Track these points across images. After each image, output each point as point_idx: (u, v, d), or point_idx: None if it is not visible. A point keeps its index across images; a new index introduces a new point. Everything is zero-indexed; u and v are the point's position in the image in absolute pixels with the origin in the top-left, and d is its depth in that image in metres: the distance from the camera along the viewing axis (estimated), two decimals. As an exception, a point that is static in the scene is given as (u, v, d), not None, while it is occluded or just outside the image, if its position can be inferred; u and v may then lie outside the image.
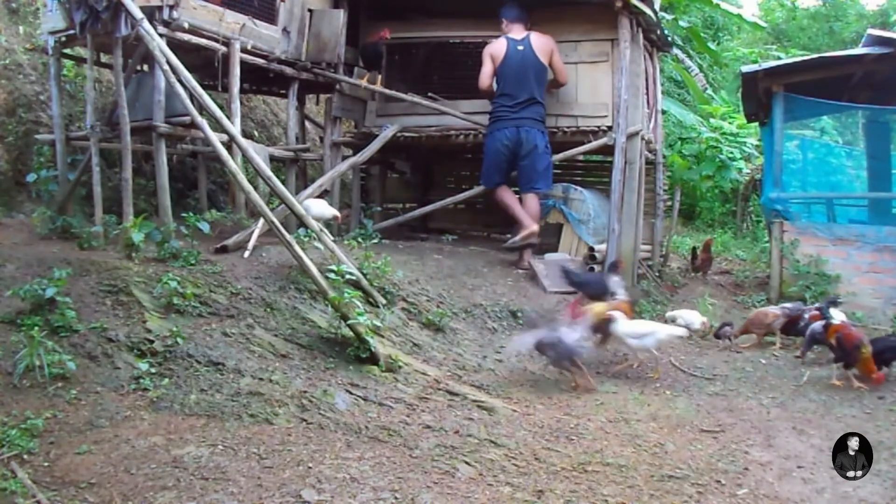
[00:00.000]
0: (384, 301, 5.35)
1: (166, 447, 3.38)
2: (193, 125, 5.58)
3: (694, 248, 9.18)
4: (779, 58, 13.06)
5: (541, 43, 7.09)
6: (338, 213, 6.42)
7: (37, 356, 3.80)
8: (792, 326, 5.98)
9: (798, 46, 18.61)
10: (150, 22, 5.51)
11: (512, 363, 5.24)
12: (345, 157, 7.89)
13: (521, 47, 7.03)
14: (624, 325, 5.05)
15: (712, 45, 15.36)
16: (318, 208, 6.10)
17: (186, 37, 5.96)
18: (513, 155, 7.08)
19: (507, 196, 7.26)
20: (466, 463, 3.55)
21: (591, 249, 7.10)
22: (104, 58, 6.80)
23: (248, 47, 6.53)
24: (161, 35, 5.60)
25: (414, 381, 4.52)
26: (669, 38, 9.57)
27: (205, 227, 5.68)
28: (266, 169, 5.52)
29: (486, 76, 7.20)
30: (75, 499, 2.97)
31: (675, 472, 3.65)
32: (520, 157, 7.08)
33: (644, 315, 6.82)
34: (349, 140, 8.19)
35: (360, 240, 6.28)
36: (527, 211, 7.14)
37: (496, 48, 7.14)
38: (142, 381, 3.97)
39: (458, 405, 4.29)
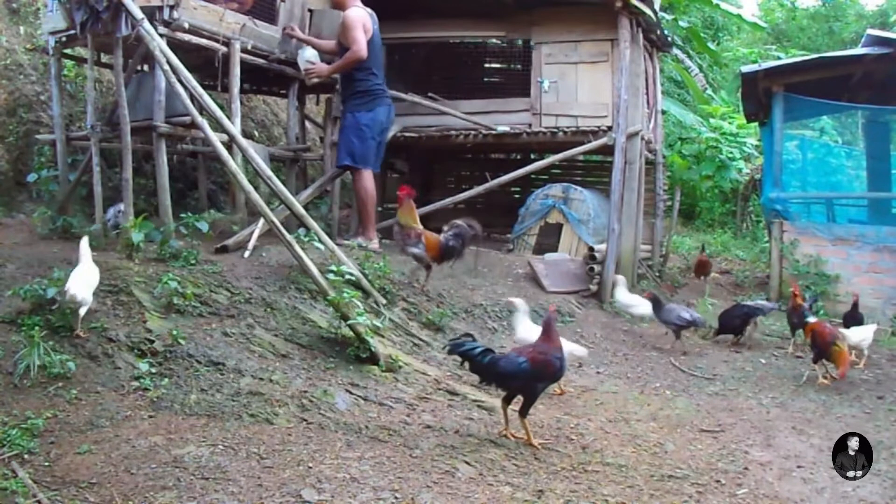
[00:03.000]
0: (384, 301, 5.35)
1: (167, 447, 3.38)
2: (194, 125, 5.58)
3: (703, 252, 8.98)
4: (779, 58, 13.07)
5: (377, 21, 6.81)
6: None
7: (37, 356, 3.80)
8: None
9: (798, 46, 18.63)
10: (151, 22, 5.51)
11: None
12: (345, 157, 7.88)
13: (375, 26, 6.70)
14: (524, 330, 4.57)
15: (712, 45, 15.38)
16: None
17: (186, 37, 5.96)
18: (382, 135, 6.73)
19: (373, 189, 6.67)
20: (466, 463, 3.55)
21: (591, 249, 7.10)
22: (104, 58, 6.80)
23: (249, 47, 6.53)
24: (161, 35, 5.60)
25: (414, 381, 4.52)
26: (669, 38, 9.58)
27: (204, 227, 5.69)
28: (266, 169, 5.52)
29: (365, 45, 6.43)
30: (76, 498, 2.97)
31: (675, 472, 3.65)
32: (383, 137, 6.80)
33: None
34: (349, 140, 8.17)
35: (360, 241, 6.29)
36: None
37: (366, 20, 6.53)
38: (142, 380, 3.96)
39: (458, 405, 4.29)
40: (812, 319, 5.37)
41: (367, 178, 6.58)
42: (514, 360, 3.74)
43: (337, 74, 6.85)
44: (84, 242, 4.43)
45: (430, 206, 7.96)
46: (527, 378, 3.73)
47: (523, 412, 3.79)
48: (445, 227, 5.94)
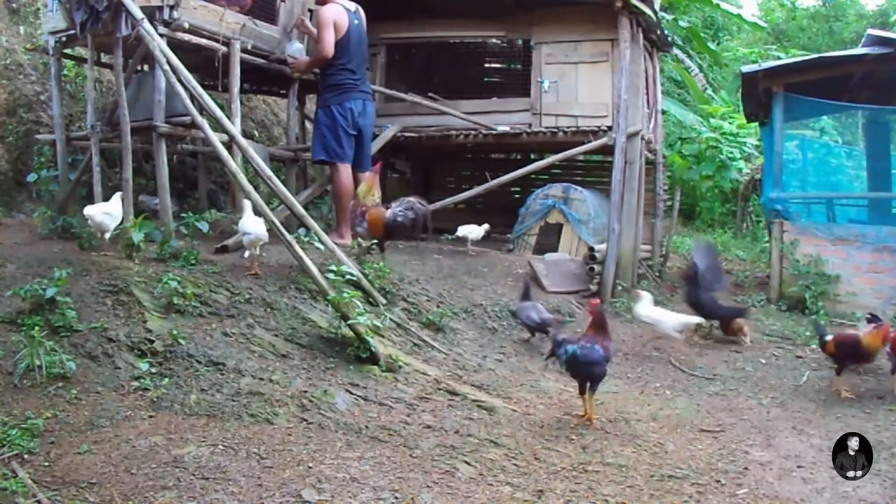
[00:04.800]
0: (384, 301, 5.35)
1: (167, 447, 3.38)
2: (194, 125, 5.58)
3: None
4: (779, 58, 13.06)
5: (363, 16, 6.78)
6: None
7: (37, 356, 3.80)
8: None
9: (798, 46, 18.61)
10: (151, 22, 5.51)
11: (512, 363, 5.24)
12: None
13: (356, 21, 6.63)
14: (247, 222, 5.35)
15: (712, 45, 15.36)
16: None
17: (187, 37, 5.96)
18: (356, 130, 6.64)
19: (348, 184, 6.51)
20: (466, 463, 3.55)
21: (591, 249, 7.10)
22: (104, 58, 6.80)
23: (249, 47, 6.54)
24: (161, 35, 5.60)
25: (414, 381, 4.52)
26: (669, 38, 9.58)
27: (204, 227, 5.69)
28: (266, 169, 5.52)
29: (331, 44, 6.46)
30: (76, 498, 2.97)
31: (675, 472, 3.65)
32: (362, 133, 6.70)
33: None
34: (349, 140, 8.18)
35: (360, 240, 6.29)
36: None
37: (339, 17, 6.50)
38: (142, 380, 3.97)
39: (458, 405, 4.29)
40: (883, 322, 5.03)
41: (343, 173, 6.54)
42: (594, 348, 4.16)
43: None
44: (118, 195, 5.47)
45: (430, 206, 7.95)
46: (603, 362, 4.20)
47: (592, 393, 4.25)
48: (394, 203, 5.99)
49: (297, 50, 6.89)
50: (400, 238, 5.94)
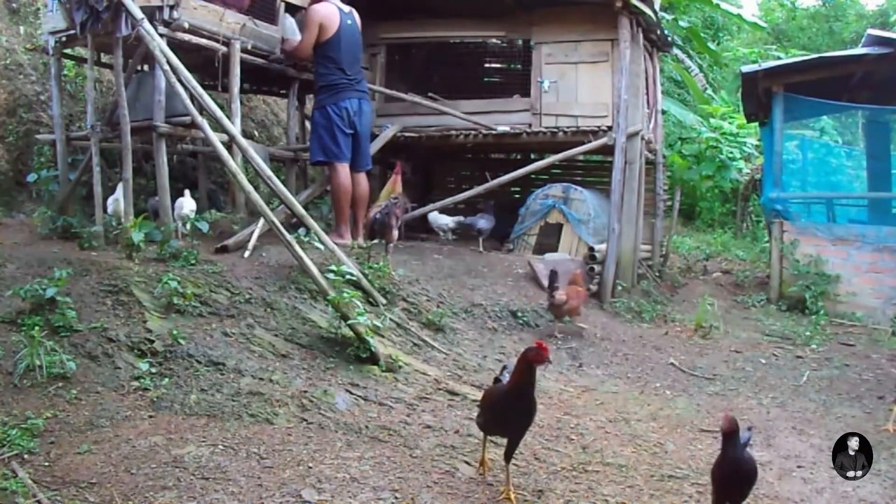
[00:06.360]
0: (384, 301, 5.35)
1: (167, 447, 3.38)
2: (194, 125, 5.58)
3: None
4: (779, 58, 13.06)
5: (358, 18, 6.77)
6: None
7: (37, 356, 3.80)
8: None
9: (798, 46, 18.61)
10: (151, 22, 5.52)
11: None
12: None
13: (349, 21, 6.62)
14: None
15: (712, 45, 15.36)
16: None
17: (187, 37, 5.96)
18: (352, 129, 6.63)
19: (346, 184, 6.60)
20: (466, 463, 3.55)
21: (591, 249, 7.10)
22: (104, 58, 6.81)
23: (249, 47, 6.54)
24: (161, 35, 5.60)
25: (414, 381, 4.52)
26: (669, 38, 9.58)
27: (204, 227, 5.69)
28: (266, 169, 5.52)
29: (310, 45, 6.55)
30: (76, 498, 2.97)
31: (675, 472, 3.65)
32: (358, 132, 6.68)
33: (644, 314, 6.83)
34: (349, 140, 8.17)
35: (360, 241, 6.29)
36: (359, 192, 6.75)
37: (327, 17, 6.49)
38: (142, 380, 3.97)
39: (458, 405, 4.29)
40: None
41: (340, 173, 6.58)
42: None
43: None
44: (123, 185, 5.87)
45: (430, 206, 7.96)
46: None
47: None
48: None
49: (288, 26, 6.84)
50: (381, 235, 6.06)
